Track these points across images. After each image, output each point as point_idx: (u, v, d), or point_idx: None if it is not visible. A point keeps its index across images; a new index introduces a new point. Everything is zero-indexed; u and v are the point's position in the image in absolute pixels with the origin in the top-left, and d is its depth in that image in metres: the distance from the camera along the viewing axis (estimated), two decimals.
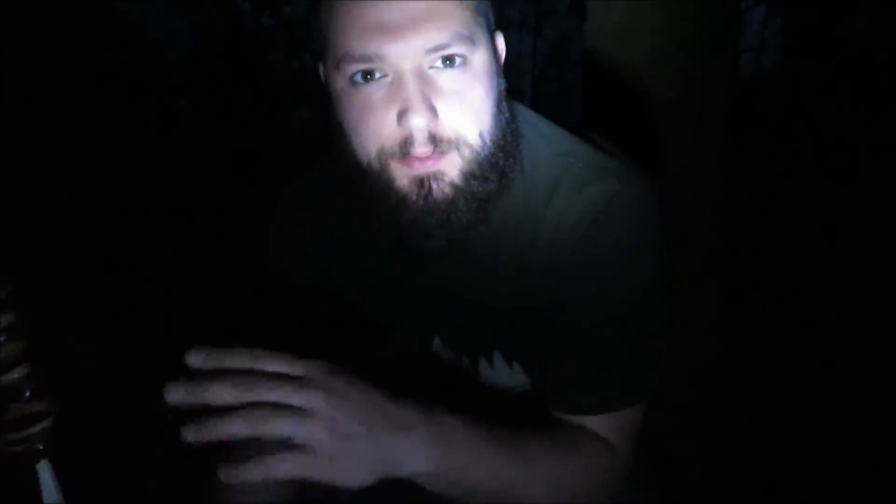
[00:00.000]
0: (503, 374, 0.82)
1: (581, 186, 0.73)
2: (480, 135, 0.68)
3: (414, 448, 0.57)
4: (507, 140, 0.72)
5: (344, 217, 0.83)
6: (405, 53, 0.65)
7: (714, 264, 1.56)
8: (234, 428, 0.51)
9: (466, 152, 0.68)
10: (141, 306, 2.24)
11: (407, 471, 0.58)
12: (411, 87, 0.65)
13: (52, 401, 0.67)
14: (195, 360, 0.53)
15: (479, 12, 0.69)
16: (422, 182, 0.68)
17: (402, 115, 0.65)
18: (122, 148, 2.93)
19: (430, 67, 0.66)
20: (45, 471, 0.67)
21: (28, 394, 0.65)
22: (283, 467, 0.51)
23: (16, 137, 2.38)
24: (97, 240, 2.49)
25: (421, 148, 0.66)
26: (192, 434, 0.51)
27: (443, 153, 0.67)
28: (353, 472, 0.54)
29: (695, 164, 1.46)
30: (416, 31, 0.64)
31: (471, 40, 0.67)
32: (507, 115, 0.73)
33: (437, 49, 0.65)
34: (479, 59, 0.68)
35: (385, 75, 0.66)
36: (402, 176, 0.68)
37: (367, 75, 0.66)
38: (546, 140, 0.77)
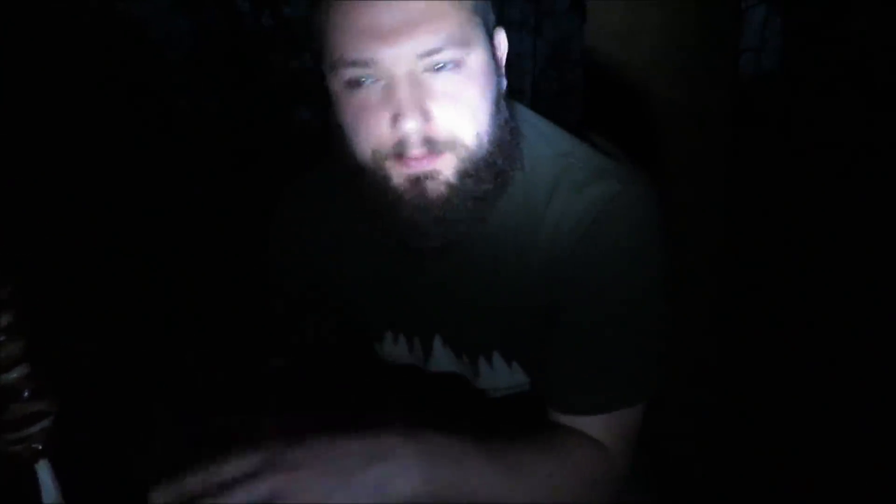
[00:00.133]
0: (502, 373, 0.82)
1: (581, 187, 0.73)
2: (477, 135, 0.68)
3: (396, 471, 0.58)
4: (505, 139, 0.72)
5: (344, 217, 0.83)
6: (398, 58, 0.65)
7: (714, 264, 1.55)
8: None
9: (463, 152, 0.68)
10: (141, 306, 2.24)
11: (400, 493, 0.58)
12: (404, 91, 0.65)
13: (52, 401, 0.67)
14: (157, 498, 0.56)
15: (476, 12, 0.68)
16: (417, 180, 0.68)
17: (395, 119, 0.65)
18: (123, 148, 2.93)
19: (424, 71, 0.66)
20: (44, 471, 0.67)
21: (28, 394, 0.66)
22: None
23: (16, 137, 2.38)
24: (97, 240, 2.49)
25: (415, 150, 0.66)
26: None
27: (438, 153, 0.67)
28: None
29: (695, 164, 1.46)
30: (410, 36, 0.64)
31: (465, 42, 0.66)
32: (506, 114, 0.73)
33: (429, 53, 0.65)
34: (475, 59, 0.68)
35: (379, 79, 0.66)
36: (398, 175, 0.68)
37: (362, 79, 0.66)
38: (546, 140, 0.77)
